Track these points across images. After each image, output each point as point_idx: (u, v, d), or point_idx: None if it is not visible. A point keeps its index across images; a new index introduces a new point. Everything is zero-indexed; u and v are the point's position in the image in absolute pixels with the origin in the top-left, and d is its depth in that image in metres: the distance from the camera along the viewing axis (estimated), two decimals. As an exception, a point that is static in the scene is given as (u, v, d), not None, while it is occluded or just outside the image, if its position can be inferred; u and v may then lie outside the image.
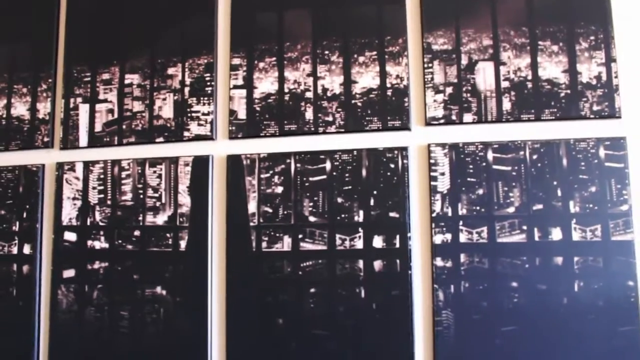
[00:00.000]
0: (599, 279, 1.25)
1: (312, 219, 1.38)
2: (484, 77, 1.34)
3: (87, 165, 1.54)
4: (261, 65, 1.45)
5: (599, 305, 1.24)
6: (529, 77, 1.33)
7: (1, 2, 1.67)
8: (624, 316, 1.23)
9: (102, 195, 1.52)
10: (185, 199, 1.46)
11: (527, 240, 1.28)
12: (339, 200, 1.37)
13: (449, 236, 1.31)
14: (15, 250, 1.56)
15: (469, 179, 1.32)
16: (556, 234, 1.27)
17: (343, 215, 1.36)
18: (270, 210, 1.40)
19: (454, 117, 1.34)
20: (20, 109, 1.61)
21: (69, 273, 1.52)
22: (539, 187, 1.29)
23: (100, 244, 1.50)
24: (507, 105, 1.33)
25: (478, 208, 1.31)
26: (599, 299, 1.24)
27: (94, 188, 1.53)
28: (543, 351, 1.24)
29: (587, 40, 1.32)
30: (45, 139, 1.58)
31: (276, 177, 1.41)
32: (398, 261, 1.32)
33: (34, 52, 1.62)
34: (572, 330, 1.24)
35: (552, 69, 1.32)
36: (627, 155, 1.27)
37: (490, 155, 1.32)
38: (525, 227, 1.28)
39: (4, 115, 1.61)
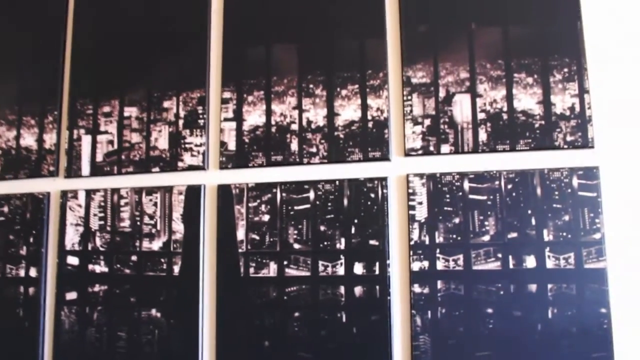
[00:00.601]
0: (572, 306, 1.28)
1: (296, 246, 1.44)
2: (461, 109, 1.39)
3: (89, 193, 1.63)
4: (250, 98, 1.53)
5: (573, 331, 1.27)
6: (505, 109, 1.37)
7: (12, 40, 1.78)
8: (597, 343, 1.26)
9: (102, 222, 1.60)
10: (179, 226, 1.53)
11: (502, 268, 1.32)
12: (322, 228, 1.43)
13: (426, 263, 1.36)
14: (22, 273, 1.65)
15: (445, 208, 1.36)
16: (530, 262, 1.31)
17: (326, 243, 1.42)
18: (258, 238, 1.47)
19: (431, 148, 1.39)
20: (28, 139, 1.71)
21: (71, 295, 1.60)
22: (513, 215, 1.33)
23: (100, 267, 1.59)
24: (483, 136, 1.37)
25: (454, 236, 1.35)
26: (573, 326, 1.27)
27: (94, 215, 1.62)
28: (517, 376, 1.28)
29: (560, 72, 1.36)
30: (51, 168, 1.68)
31: (263, 205, 1.48)
32: (378, 287, 1.37)
33: (42, 86, 1.72)
34: (546, 357, 1.27)
35: (527, 100, 1.36)
36: (599, 185, 1.30)
37: (466, 185, 1.36)
38: (500, 255, 1.32)
39: (14, 146, 1.72)
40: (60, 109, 1.70)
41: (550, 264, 1.30)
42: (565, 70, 1.36)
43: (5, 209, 1.69)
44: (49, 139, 1.69)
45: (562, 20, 1.37)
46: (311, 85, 1.49)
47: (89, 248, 1.60)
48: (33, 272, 1.64)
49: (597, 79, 1.35)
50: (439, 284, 1.34)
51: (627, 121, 1.32)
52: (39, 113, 1.71)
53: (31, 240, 1.66)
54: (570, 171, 1.32)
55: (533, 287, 1.30)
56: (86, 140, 1.66)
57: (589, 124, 1.32)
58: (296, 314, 1.41)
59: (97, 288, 1.58)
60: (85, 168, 1.64)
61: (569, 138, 1.33)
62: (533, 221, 1.32)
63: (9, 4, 1.80)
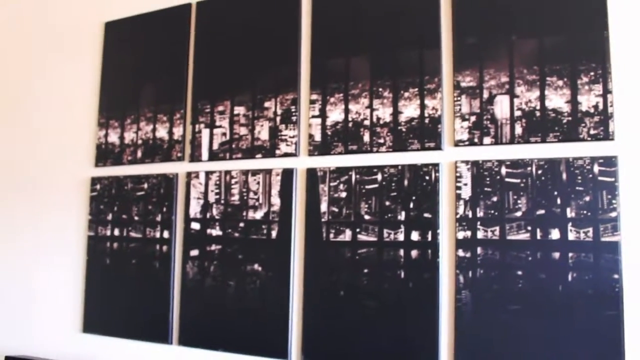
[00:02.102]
0: (589, 271, 1.54)
1: (366, 217, 1.81)
2: (501, 107, 1.68)
3: (208, 174, 2.08)
4: (332, 100, 1.90)
5: (589, 293, 1.53)
6: (538, 107, 1.64)
7: (148, 56, 2.27)
8: (609, 303, 1.51)
9: (217, 196, 2.06)
10: (276, 200, 1.95)
11: (531, 239, 1.61)
12: (387, 203, 1.79)
13: (469, 233, 1.68)
14: (158, 234, 2.15)
15: (486, 189, 1.67)
16: (555, 234, 1.59)
17: (389, 215, 1.78)
18: (337, 210, 1.85)
19: (476, 140, 1.70)
20: (162, 132, 2.20)
21: (194, 252, 2.08)
22: (542, 196, 1.61)
23: (216, 231, 2.04)
24: (518, 130, 1.66)
25: (492, 212, 1.66)
26: (589, 288, 1.53)
27: (212, 191, 2.07)
28: (540, 327, 1.56)
29: (587, 75, 1.61)
30: (179, 154, 2.15)
31: (341, 185, 1.85)
32: (429, 251, 1.71)
33: (171, 91, 2.19)
34: (565, 312, 1.55)
35: (557, 100, 1.63)
36: (617, 171, 1.54)
37: (503, 170, 1.66)
38: (529, 228, 1.61)
39: (151, 137, 2.21)
40: (185, 109, 2.17)
41: (571, 236, 1.57)
42: (592, 73, 1.60)
43: (145, 185, 2.20)
44: (177, 132, 2.17)
45: (590, 31, 1.61)
46: (380, 89, 1.84)
47: (208, 216, 2.07)
48: (166, 234, 2.13)
49: (619, 81, 1.58)
50: (479, 250, 1.66)
51: (644, 118, 1.56)
52: (169, 112, 2.19)
53: (164, 210, 2.15)
54: (592, 160, 1.57)
55: (556, 255, 1.58)
56: (205, 133, 2.11)
57: (610, 119, 1.57)
58: (365, 271, 1.79)
59: (213, 247, 2.04)
60: (205, 154, 2.10)
61: (592, 132, 1.58)
62: (558, 201, 1.59)
63: (140, 27, 2.29)
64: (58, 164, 2.42)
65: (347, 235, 1.82)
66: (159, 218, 2.15)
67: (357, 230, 1.81)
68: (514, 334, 1.59)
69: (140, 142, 2.23)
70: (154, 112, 2.22)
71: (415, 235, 1.73)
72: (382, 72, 1.84)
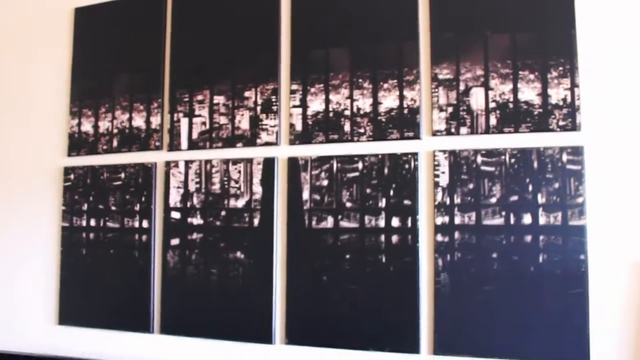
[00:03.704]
0: (558, 253, 1.66)
1: (348, 204, 1.87)
2: (477, 99, 1.77)
3: (187, 163, 2.10)
4: (312, 90, 1.95)
5: (557, 273, 1.65)
6: (511, 100, 1.74)
7: (124, 40, 2.25)
8: (575, 282, 1.63)
9: (198, 185, 2.08)
10: (258, 189, 1.99)
11: (505, 223, 1.71)
12: (368, 190, 1.85)
13: (447, 219, 1.77)
14: (137, 224, 2.15)
15: (462, 177, 1.76)
16: (527, 219, 1.69)
17: (370, 202, 1.85)
18: (318, 198, 1.91)
19: (453, 130, 1.78)
20: (138, 121, 2.19)
21: (175, 241, 2.09)
22: (515, 183, 1.71)
23: (197, 220, 2.07)
24: (493, 121, 1.75)
25: (469, 198, 1.75)
26: (558, 268, 1.65)
27: (192, 180, 2.09)
28: (514, 305, 1.67)
29: (557, 70, 1.71)
30: (157, 144, 2.15)
31: (323, 173, 1.91)
32: (409, 236, 1.80)
33: (148, 79, 2.18)
34: (536, 291, 1.66)
35: (529, 93, 1.73)
36: (584, 160, 1.66)
37: (479, 159, 1.75)
38: (503, 213, 1.72)
39: (128, 126, 2.20)
40: (163, 97, 2.16)
41: (542, 220, 1.68)
42: (561, 68, 1.71)
43: (122, 174, 2.19)
44: (155, 121, 2.16)
45: (559, 28, 1.71)
46: (360, 80, 1.89)
47: (188, 205, 2.08)
48: (145, 224, 2.14)
49: (586, 76, 1.69)
50: (456, 235, 1.75)
51: (608, 110, 1.67)
52: (146, 100, 2.18)
53: (143, 199, 2.15)
54: (561, 149, 1.68)
55: (528, 238, 1.69)
56: (184, 122, 2.12)
57: (577, 112, 1.68)
58: (347, 256, 1.86)
59: (194, 236, 2.06)
60: (184, 143, 2.11)
61: (561, 123, 1.69)
62: (530, 188, 1.70)
63: (114, 13, 2.27)
64: (29, 154, 2.37)
65: (329, 222, 1.88)
66: (137, 207, 2.15)
67: (339, 217, 1.87)
68: (490, 312, 1.69)
69: (116, 131, 2.21)
70: (129, 101, 2.20)
71: (395, 222, 1.81)
72: (362, 64, 1.90)
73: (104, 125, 2.24)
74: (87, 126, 2.26)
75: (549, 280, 1.66)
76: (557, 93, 1.70)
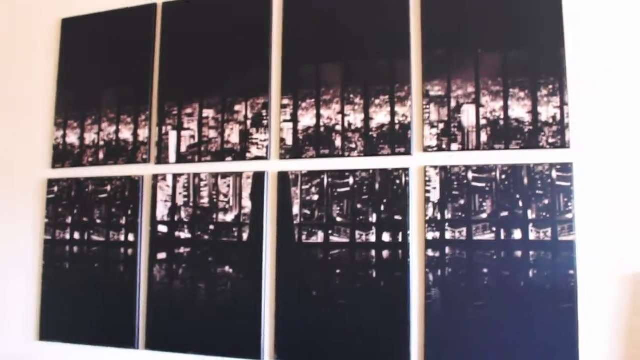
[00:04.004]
0: (548, 268, 1.67)
1: (338, 219, 1.87)
2: (468, 116, 1.79)
3: (175, 176, 2.07)
4: (303, 105, 1.95)
5: (547, 287, 1.67)
6: (501, 117, 1.76)
7: (108, 54, 2.23)
8: (565, 296, 1.65)
9: (186, 199, 2.05)
10: (247, 203, 1.98)
11: (496, 239, 1.72)
12: (359, 206, 1.85)
13: (437, 234, 1.77)
14: (122, 238, 2.12)
15: (453, 192, 1.77)
16: (517, 234, 1.71)
17: (361, 217, 1.85)
18: (309, 212, 1.90)
19: (444, 146, 1.80)
20: (125, 134, 2.16)
21: (162, 255, 2.06)
22: (505, 199, 1.73)
23: (184, 234, 2.04)
24: (484, 137, 1.77)
25: (460, 214, 1.76)
26: (548, 283, 1.67)
27: (180, 193, 2.06)
28: (505, 321, 1.68)
29: (546, 88, 1.74)
30: (144, 156, 2.13)
31: (313, 188, 1.90)
32: (400, 251, 1.80)
33: (136, 92, 2.16)
34: (527, 305, 1.67)
35: (519, 110, 1.75)
36: (573, 177, 1.68)
37: (470, 174, 1.77)
38: (494, 229, 1.73)
39: (114, 138, 2.17)
40: (151, 110, 2.14)
41: (532, 236, 1.70)
42: (550, 87, 1.74)
43: (108, 187, 2.16)
44: (142, 134, 2.14)
45: (549, 47, 1.74)
46: (351, 95, 1.90)
47: (176, 219, 2.06)
48: (131, 237, 2.10)
49: (575, 94, 1.73)
50: (447, 250, 1.76)
51: (596, 128, 1.70)
52: (134, 113, 2.16)
53: (129, 212, 2.12)
54: (550, 166, 1.70)
55: (519, 254, 1.70)
56: (172, 135, 2.10)
57: (567, 129, 1.71)
58: (337, 271, 1.85)
59: (182, 250, 2.04)
60: (172, 156, 2.09)
61: (550, 140, 1.72)
62: (520, 203, 1.72)
63: (101, 24, 2.25)
64: (11, 166, 2.33)
65: (319, 237, 1.88)
66: (123, 221, 2.12)
67: (330, 232, 1.87)
68: (481, 327, 1.70)
69: (102, 143, 2.18)
70: (117, 113, 2.18)
71: (386, 237, 1.81)
72: (353, 80, 1.91)
73: (90, 137, 2.20)
74: (72, 138, 2.23)
75: (539, 295, 1.67)
76: (547, 111, 1.73)
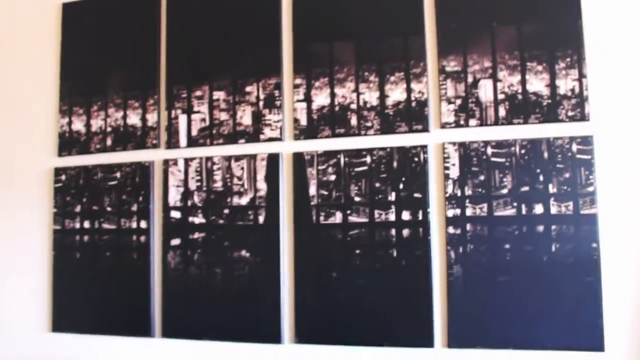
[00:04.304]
0: (570, 242, 1.67)
1: (357, 199, 1.85)
2: (485, 91, 1.77)
3: (187, 161, 2.04)
4: (317, 84, 1.92)
5: (570, 261, 1.66)
6: (519, 91, 1.75)
7: (117, 36, 2.17)
8: (588, 270, 1.65)
9: (199, 183, 2.02)
10: (262, 185, 1.95)
11: (517, 214, 1.71)
12: (377, 184, 1.83)
13: (458, 211, 1.76)
14: (134, 225, 2.08)
15: (473, 168, 1.76)
16: (539, 209, 1.70)
17: (380, 196, 1.83)
18: (326, 193, 1.88)
19: (462, 122, 1.78)
20: (133, 118, 2.12)
21: (175, 241, 2.03)
22: (526, 174, 1.72)
23: (198, 219, 2.01)
24: (502, 112, 1.75)
25: (480, 190, 1.75)
26: (570, 257, 1.67)
27: (192, 178, 2.03)
28: (528, 295, 1.68)
29: (564, 61, 1.72)
30: (154, 141, 2.09)
31: (330, 168, 1.88)
32: (421, 229, 1.78)
33: (142, 75, 2.11)
34: (550, 280, 1.67)
35: (537, 84, 1.74)
36: (593, 150, 1.67)
37: (489, 150, 1.75)
38: (515, 204, 1.72)
39: (122, 124, 2.13)
40: (159, 94, 2.09)
41: (554, 210, 1.69)
42: (568, 59, 1.72)
43: (118, 174, 2.12)
44: (151, 118, 2.10)
45: (565, 19, 1.73)
46: (366, 73, 1.87)
47: (189, 204, 2.03)
48: (143, 224, 2.07)
49: (593, 66, 1.71)
50: (468, 226, 1.75)
51: (616, 99, 1.69)
52: (142, 97, 2.11)
53: (140, 199, 2.08)
54: (570, 139, 1.69)
55: (540, 228, 1.69)
56: (182, 119, 2.06)
57: (586, 102, 1.69)
58: (357, 251, 1.83)
59: (196, 235, 2.01)
60: (183, 141, 2.05)
61: (569, 113, 1.70)
62: (541, 178, 1.71)
63: (104, 8, 2.20)
64: (17, 156, 2.28)
65: (337, 218, 1.86)
66: (134, 208, 2.08)
67: (348, 212, 1.85)
68: (504, 303, 1.69)
69: (109, 129, 2.14)
70: (123, 98, 2.13)
71: (406, 215, 1.79)
72: (367, 57, 1.88)
73: (96, 123, 2.16)
74: (78, 125, 2.18)
75: (562, 270, 1.67)
76: (566, 84, 1.71)
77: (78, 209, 2.15)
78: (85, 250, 2.12)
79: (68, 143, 2.19)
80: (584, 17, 1.73)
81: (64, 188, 2.18)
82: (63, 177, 2.18)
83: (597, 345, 1.62)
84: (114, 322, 2.06)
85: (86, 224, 2.13)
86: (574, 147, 1.69)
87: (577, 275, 1.65)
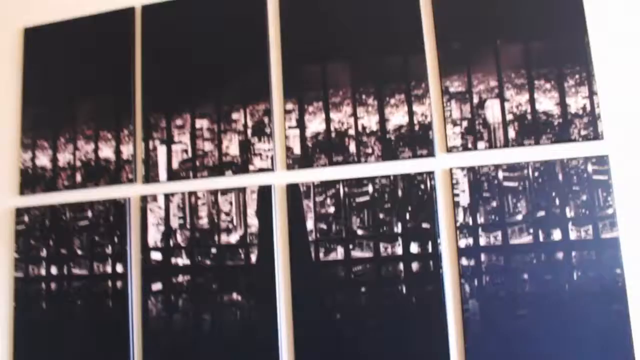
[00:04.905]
0: (593, 269, 1.56)
1: (359, 232, 1.70)
2: (492, 111, 1.67)
3: (168, 196, 1.85)
4: (310, 109, 1.78)
5: (594, 289, 1.55)
6: (528, 110, 1.65)
7: (85, 62, 1.99)
8: (614, 297, 1.54)
9: (181, 221, 1.84)
10: (253, 221, 1.78)
11: (534, 241, 1.60)
12: (381, 215, 1.69)
13: (471, 240, 1.63)
14: (109, 269, 1.87)
15: (484, 194, 1.64)
16: (557, 235, 1.59)
17: (385, 228, 1.68)
18: (325, 227, 1.72)
19: (469, 145, 1.67)
20: (106, 151, 1.93)
21: (157, 286, 1.83)
22: (540, 198, 1.61)
23: (182, 260, 1.82)
24: (512, 133, 1.65)
25: (493, 217, 1.63)
26: (594, 285, 1.55)
27: (174, 215, 1.85)
28: (551, 328, 1.55)
29: (573, 78, 1.64)
30: (130, 176, 1.90)
31: (328, 199, 1.73)
32: (431, 262, 1.64)
33: (115, 104, 1.93)
34: (573, 311, 1.55)
35: (547, 102, 1.64)
36: (610, 170, 1.58)
37: (500, 174, 1.64)
38: (531, 230, 1.60)
39: (93, 157, 1.94)
40: (134, 124, 1.92)
41: (573, 235, 1.58)
42: (577, 76, 1.64)
43: (89, 213, 1.91)
44: (126, 150, 1.91)
45: (571, 35, 1.65)
46: (364, 96, 1.75)
47: (171, 244, 1.83)
48: (119, 268, 1.86)
49: (603, 83, 1.64)
50: (482, 257, 1.62)
51: (630, 116, 1.61)
52: (115, 128, 1.93)
53: (115, 240, 1.88)
54: (585, 160, 1.60)
55: (560, 255, 1.58)
56: (162, 150, 1.88)
57: (599, 120, 1.61)
58: (362, 289, 1.67)
59: (180, 278, 1.81)
60: (163, 174, 1.87)
61: (582, 132, 1.61)
62: (557, 201, 1.60)
63: (71, 32, 2.02)
64: (-29, 195, 2.04)
65: (339, 254, 1.70)
66: (109, 250, 1.87)
67: (350, 246, 1.69)
68: (525, 338, 1.56)
69: (79, 164, 1.94)
70: (94, 129, 1.94)
71: (414, 247, 1.66)
72: (364, 79, 1.75)
73: (64, 157, 1.95)
74: (43, 160, 1.97)
75: (585, 298, 1.55)
76: (576, 102, 1.63)
77: (44, 253, 1.92)
78: (53, 299, 1.89)
79: (31, 180, 1.97)
80: (590, 33, 1.65)
81: (27, 230, 1.95)
82: (26, 218, 1.95)
83: (628, 380, 1.50)
84: (88, 380, 1.83)
85: (53, 270, 1.91)
86: (590, 168, 1.59)
87: (601, 304, 1.54)
